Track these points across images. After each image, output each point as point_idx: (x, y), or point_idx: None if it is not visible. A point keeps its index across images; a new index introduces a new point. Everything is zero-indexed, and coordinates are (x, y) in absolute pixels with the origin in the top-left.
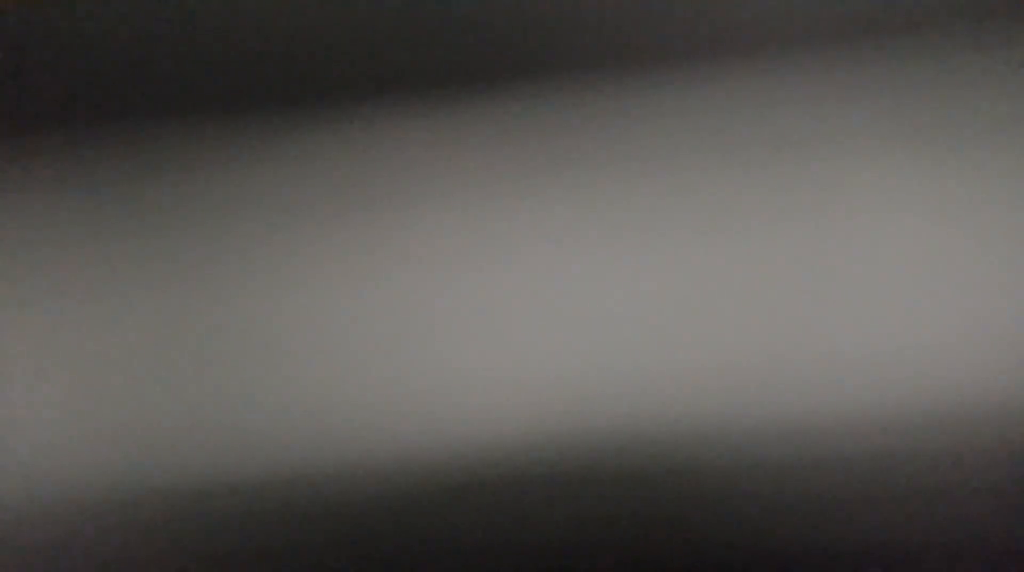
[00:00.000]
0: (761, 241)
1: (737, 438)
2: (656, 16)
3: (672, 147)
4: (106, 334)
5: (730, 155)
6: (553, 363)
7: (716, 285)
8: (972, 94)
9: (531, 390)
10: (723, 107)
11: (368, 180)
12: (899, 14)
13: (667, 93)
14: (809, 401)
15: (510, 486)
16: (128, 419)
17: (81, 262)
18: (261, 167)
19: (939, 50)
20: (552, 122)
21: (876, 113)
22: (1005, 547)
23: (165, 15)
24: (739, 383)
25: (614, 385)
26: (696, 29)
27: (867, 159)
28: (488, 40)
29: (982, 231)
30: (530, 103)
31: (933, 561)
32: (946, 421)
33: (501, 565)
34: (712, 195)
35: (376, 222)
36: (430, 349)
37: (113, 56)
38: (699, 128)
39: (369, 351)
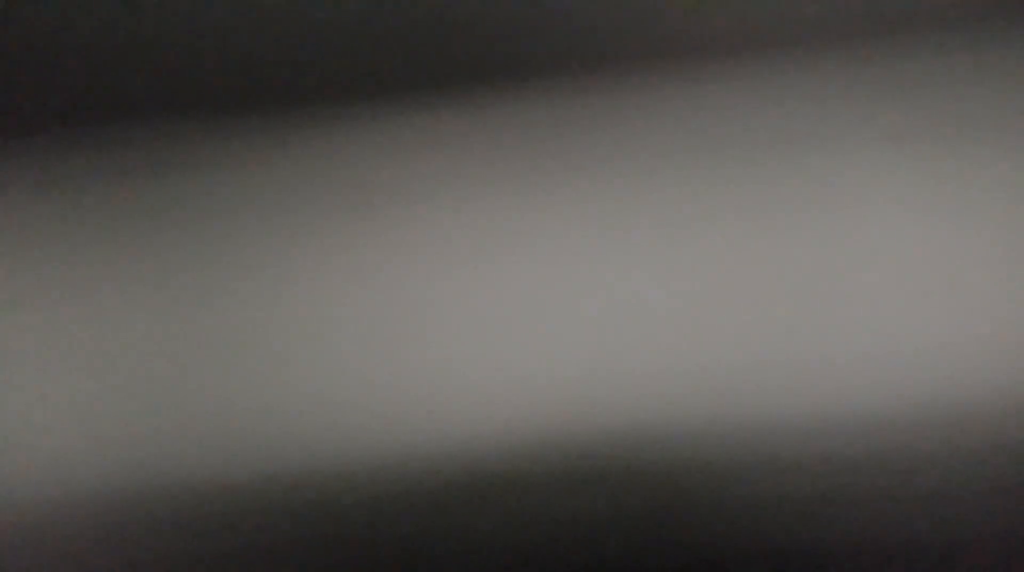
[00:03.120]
0: (761, 241)
1: (737, 438)
2: (655, 16)
3: (672, 147)
4: (106, 334)
5: (730, 155)
6: (553, 363)
7: (716, 285)
8: (972, 94)
9: (531, 390)
10: (723, 107)
11: (368, 180)
12: (899, 14)
13: (666, 93)
14: (809, 401)
15: (510, 486)
16: (127, 419)
17: (81, 262)
18: (261, 167)
19: (939, 50)
20: (552, 122)
21: (875, 113)
22: (1005, 547)
23: (165, 14)
24: (739, 383)
25: (614, 385)
26: (695, 29)
27: (866, 159)
28: (488, 40)
29: (982, 231)
30: (530, 103)
31: (933, 561)
32: (946, 421)
33: (501, 565)
34: (712, 196)
35: (375, 222)
36: (430, 349)
37: (113, 56)
38: (699, 128)
39: (369, 351)
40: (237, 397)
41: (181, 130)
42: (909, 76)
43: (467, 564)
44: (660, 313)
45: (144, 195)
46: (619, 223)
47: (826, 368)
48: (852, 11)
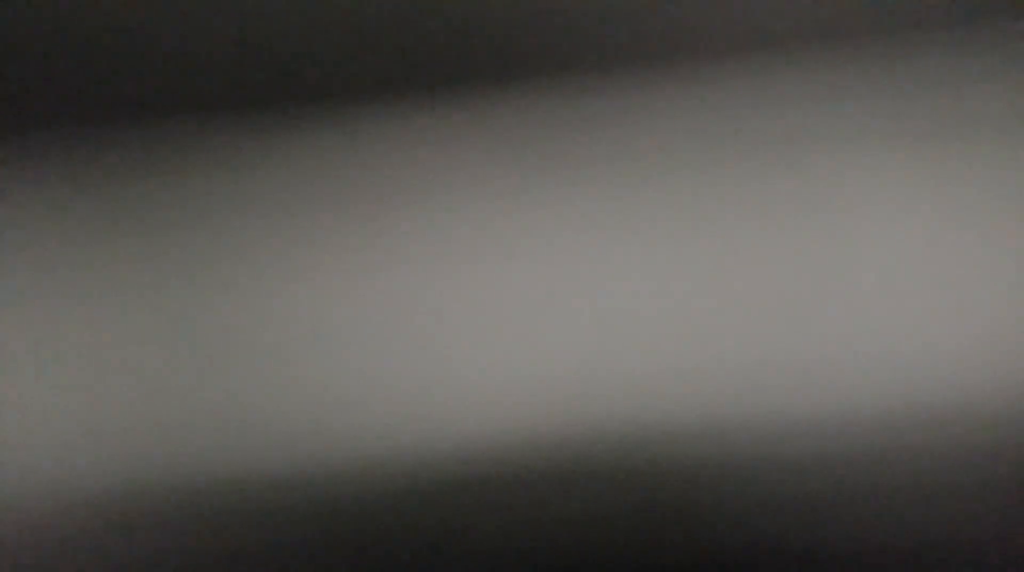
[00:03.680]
0: (761, 241)
1: (736, 437)
2: (655, 16)
3: (671, 147)
4: (106, 334)
5: (730, 155)
6: (553, 363)
7: (716, 285)
8: (972, 94)
9: (531, 390)
10: (722, 107)
11: (368, 180)
12: (898, 14)
13: (666, 93)
14: (808, 400)
15: (510, 486)
16: (127, 418)
17: (81, 262)
18: (261, 167)
19: (938, 50)
20: (552, 122)
21: (874, 113)
22: (1005, 547)
23: (165, 14)
24: (739, 383)
25: (614, 385)
26: (695, 29)
27: (866, 159)
28: (488, 40)
29: (982, 231)
30: (530, 103)
31: (933, 561)
32: (946, 421)
33: (501, 565)
34: (711, 195)
35: (376, 221)
36: (430, 348)
37: (112, 55)
38: (699, 128)
39: (369, 351)
40: (237, 397)
41: (181, 130)
42: (909, 76)
43: (467, 564)
44: (660, 313)
45: (144, 195)
46: (619, 223)
47: (826, 368)
48: (852, 11)
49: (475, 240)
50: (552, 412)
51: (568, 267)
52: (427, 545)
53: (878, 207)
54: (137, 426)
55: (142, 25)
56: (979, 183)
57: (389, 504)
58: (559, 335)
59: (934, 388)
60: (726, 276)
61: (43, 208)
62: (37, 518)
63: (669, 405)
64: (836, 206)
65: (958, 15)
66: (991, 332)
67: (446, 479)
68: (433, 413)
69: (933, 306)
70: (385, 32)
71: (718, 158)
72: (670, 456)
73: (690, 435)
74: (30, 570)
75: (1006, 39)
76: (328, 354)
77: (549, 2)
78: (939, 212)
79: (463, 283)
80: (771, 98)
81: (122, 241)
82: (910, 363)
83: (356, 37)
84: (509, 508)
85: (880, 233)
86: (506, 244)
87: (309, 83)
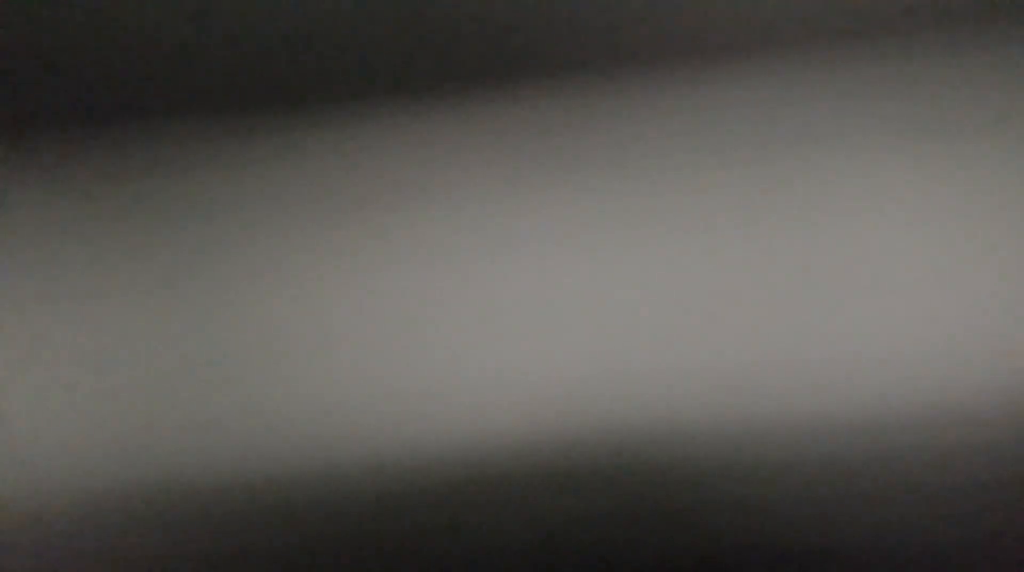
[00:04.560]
0: (760, 241)
1: (736, 438)
2: (655, 16)
3: (671, 147)
4: (107, 334)
5: (729, 155)
6: (553, 363)
7: (716, 285)
8: (972, 94)
9: (531, 390)
10: (721, 107)
11: (368, 180)
12: (899, 14)
13: (666, 93)
14: (808, 401)
15: (510, 486)
16: (129, 418)
17: (82, 262)
18: (261, 167)
19: (939, 50)
20: (552, 122)
21: (874, 113)
22: (1005, 547)
23: (166, 14)
24: (738, 383)
25: (614, 385)
26: (695, 29)
27: (866, 159)
28: (488, 40)
29: (981, 231)
30: (530, 103)
31: (933, 561)
32: (945, 421)
33: (501, 565)
34: (711, 195)
35: (376, 222)
36: (430, 349)
37: (114, 56)
38: (698, 128)
39: (369, 351)
40: (238, 397)
41: (181, 130)
42: (909, 76)
43: (467, 564)
44: (660, 313)
45: (144, 195)
46: (619, 223)
47: (826, 368)
48: (852, 11)
49: (476, 241)
50: (553, 412)
51: (569, 267)
52: (428, 545)
53: (878, 207)
54: (138, 426)
55: (142, 25)
56: (979, 183)
57: (391, 505)
58: (560, 336)
59: (934, 388)
60: (727, 276)
61: (43, 208)
62: (37, 518)
63: (670, 405)
64: (836, 206)
65: (958, 15)
66: (991, 332)
67: (447, 480)
68: (435, 414)
69: (933, 306)
70: (385, 32)
71: (718, 158)
72: (671, 456)
73: (691, 435)
74: (30, 570)
75: (1006, 39)
76: (330, 354)
77: (549, 2)
78: (939, 212)
79: (464, 284)
80: (771, 98)
81: (122, 242)
82: (910, 363)
83: (356, 37)
84: (510, 508)
85: (880, 233)
86: (507, 245)
87: (309, 83)
